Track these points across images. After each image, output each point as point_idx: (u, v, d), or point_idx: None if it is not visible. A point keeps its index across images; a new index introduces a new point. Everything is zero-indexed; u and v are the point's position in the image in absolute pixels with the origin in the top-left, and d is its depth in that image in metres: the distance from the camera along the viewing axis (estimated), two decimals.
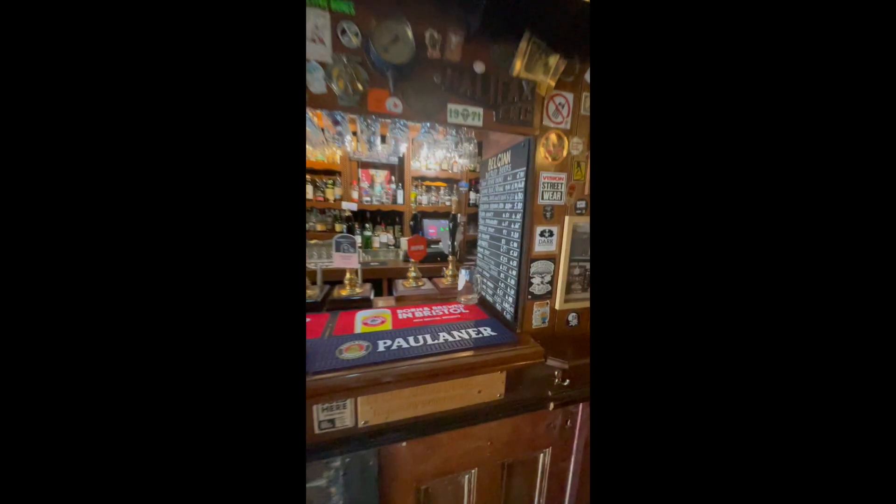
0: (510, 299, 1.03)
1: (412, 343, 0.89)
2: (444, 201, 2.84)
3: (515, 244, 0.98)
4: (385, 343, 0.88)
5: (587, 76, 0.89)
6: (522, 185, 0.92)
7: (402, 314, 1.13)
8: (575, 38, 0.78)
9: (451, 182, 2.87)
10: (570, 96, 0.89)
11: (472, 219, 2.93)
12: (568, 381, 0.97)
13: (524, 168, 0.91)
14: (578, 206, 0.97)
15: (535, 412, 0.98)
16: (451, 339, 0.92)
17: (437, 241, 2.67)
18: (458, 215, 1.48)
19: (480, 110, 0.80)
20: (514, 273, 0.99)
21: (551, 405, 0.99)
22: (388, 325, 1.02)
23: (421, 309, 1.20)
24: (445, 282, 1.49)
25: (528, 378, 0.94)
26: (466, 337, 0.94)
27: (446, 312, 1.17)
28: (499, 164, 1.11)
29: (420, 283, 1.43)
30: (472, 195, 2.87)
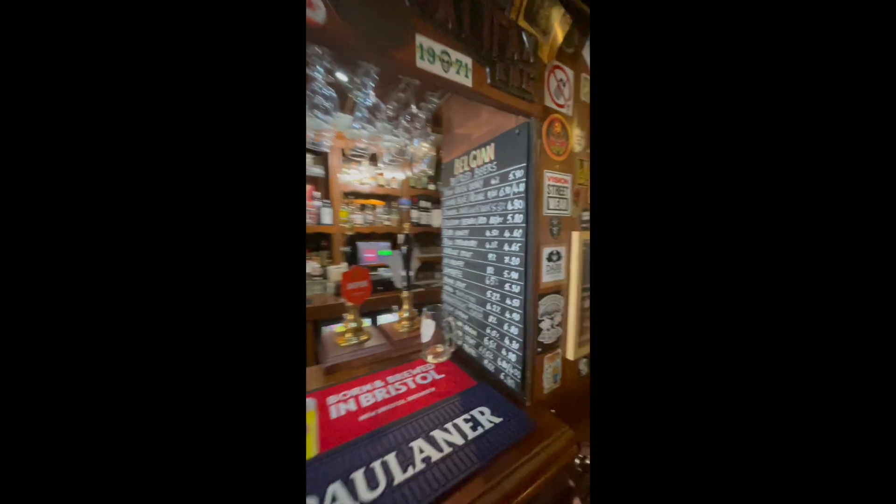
0: (512, 356, 0.70)
1: (366, 496, 0.44)
2: (381, 221, 2.41)
3: (515, 273, 0.67)
4: None
5: (586, 52, 0.69)
6: (522, 188, 0.63)
7: (339, 408, 0.66)
8: None
9: (388, 199, 2.48)
10: (570, 73, 0.67)
11: (416, 239, 2.57)
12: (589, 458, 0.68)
13: (523, 164, 0.63)
14: (584, 217, 0.74)
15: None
16: (435, 454, 0.52)
17: (373, 268, 2.18)
18: (409, 235, 1.10)
19: (469, 61, 0.48)
20: (517, 316, 0.67)
21: (577, 501, 0.67)
22: (312, 443, 0.54)
23: (371, 384, 0.74)
24: (399, 327, 1.06)
25: (529, 466, 0.60)
26: (460, 441, 0.55)
27: (411, 385, 0.75)
28: (474, 164, 0.81)
29: (363, 338, 0.97)
30: (415, 213, 2.53)
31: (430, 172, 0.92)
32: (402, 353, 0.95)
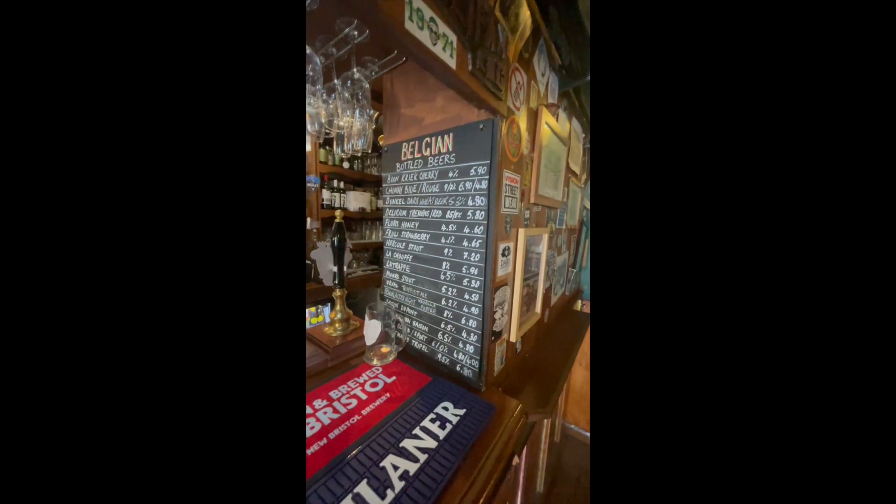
0: (469, 347, 0.72)
1: None
2: None
3: (475, 269, 0.68)
4: None
5: (535, 61, 0.74)
6: (485, 185, 0.64)
7: None
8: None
9: None
10: (525, 77, 0.70)
11: (327, 224, 2.24)
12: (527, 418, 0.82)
13: (486, 162, 0.63)
14: (526, 215, 0.83)
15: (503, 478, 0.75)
16: (412, 466, 0.49)
17: None
18: (341, 223, 0.95)
19: (455, 39, 0.43)
20: (476, 310, 0.70)
21: (515, 459, 0.80)
22: None
23: (310, 407, 0.62)
24: (331, 331, 0.91)
25: (497, 447, 0.68)
26: (433, 444, 0.54)
27: (362, 396, 0.67)
28: (427, 153, 0.75)
29: None
30: (326, 195, 2.19)
31: (368, 151, 0.80)
32: (341, 360, 0.83)
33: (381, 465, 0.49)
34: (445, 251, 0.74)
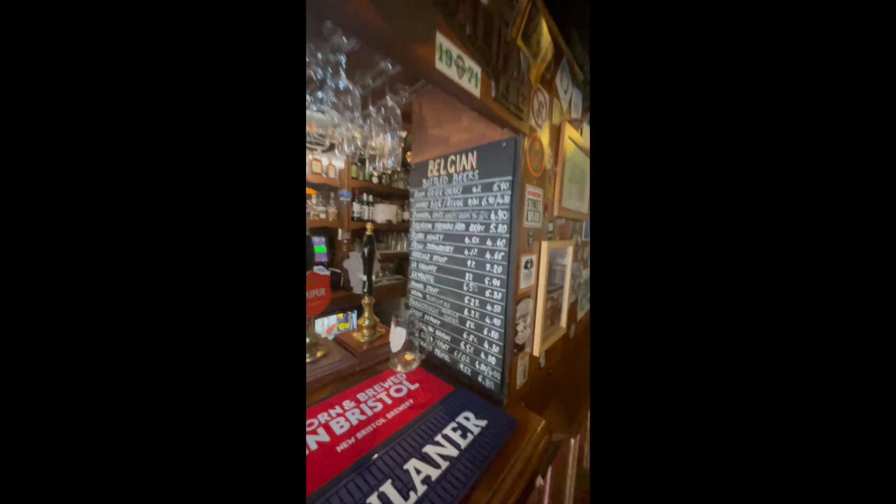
0: (491, 358, 0.73)
1: None
2: (315, 213, 2.12)
3: (497, 280, 0.70)
4: None
5: (557, 81, 0.76)
6: (507, 200, 0.66)
7: (309, 442, 0.56)
8: (567, 23, 0.63)
9: (323, 189, 2.20)
10: (547, 97, 0.73)
11: (357, 235, 2.37)
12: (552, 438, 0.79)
13: (509, 178, 0.66)
14: (549, 228, 0.83)
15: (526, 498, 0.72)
16: (433, 472, 0.50)
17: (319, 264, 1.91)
18: (371, 235, 1.01)
19: (479, 70, 0.47)
20: (498, 321, 0.71)
21: (539, 480, 0.77)
22: None
23: (340, 407, 0.66)
24: (359, 337, 0.97)
25: (519, 462, 0.67)
26: (454, 452, 0.55)
27: (387, 401, 0.70)
28: (452, 169, 0.80)
29: (319, 353, 0.84)
30: (356, 207, 2.33)
31: (398, 169, 0.86)
32: (368, 365, 0.87)
33: (405, 467, 0.51)
34: (468, 263, 0.77)
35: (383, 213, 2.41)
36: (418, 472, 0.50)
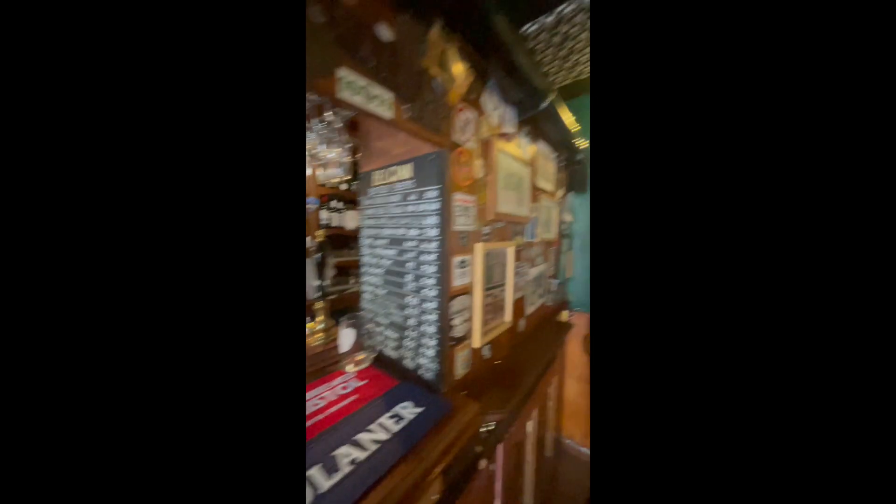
0: (429, 352, 0.80)
1: None
2: None
3: (431, 280, 0.77)
4: None
5: (482, 100, 0.86)
6: (436, 207, 0.74)
7: None
8: (482, 47, 0.72)
9: None
10: (474, 115, 0.82)
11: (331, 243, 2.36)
12: (494, 423, 0.86)
13: (437, 187, 0.73)
14: (485, 231, 0.92)
15: (469, 479, 0.78)
16: (361, 454, 0.55)
17: None
18: (323, 242, 1.05)
19: (390, 96, 0.54)
20: (433, 317, 0.78)
21: (483, 462, 0.84)
22: None
23: None
24: (312, 340, 1.00)
25: (445, 440, 0.73)
26: (385, 436, 0.60)
27: (333, 396, 0.74)
28: (393, 179, 0.86)
29: None
30: (323, 215, 2.34)
31: (346, 177, 0.92)
32: (318, 367, 0.91)
33: (333, 454, 0.55)
34: (408, 265, 0.83)
35: (353, 219, 2.43)
36: (347, 455, 0.55)
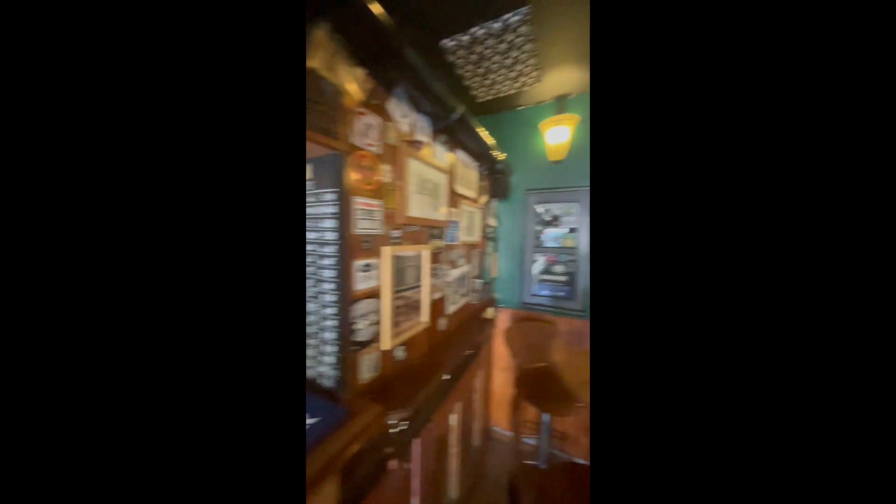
0: (329, 358, 0.78)
1: None
2: None
3: (330, 284, 0.75)
4: None
5: (389, 107, 0.88)
6: (334, 210, 0.73)
7: None
8: (379, 56, 0.74)
9: None
10: (378, 120, 0.83)
11: None
12: (407, 422, 0.88)
13: (336, 190, 0.72)
14: (394, 234, 0.94)
15: (377, 481, 0.79)
16: None
17: None
18: None
19: None
20: (332, 323, 0.76)
21: (394, 462, 0.85)
22: None
23: None
24: None
25: (365, 451, 0.74)
26: None
27: None
28: None
29: None
30: None
31: None
32: None
33: None
34: (308, 269, 0.80)
35: None
36: None
